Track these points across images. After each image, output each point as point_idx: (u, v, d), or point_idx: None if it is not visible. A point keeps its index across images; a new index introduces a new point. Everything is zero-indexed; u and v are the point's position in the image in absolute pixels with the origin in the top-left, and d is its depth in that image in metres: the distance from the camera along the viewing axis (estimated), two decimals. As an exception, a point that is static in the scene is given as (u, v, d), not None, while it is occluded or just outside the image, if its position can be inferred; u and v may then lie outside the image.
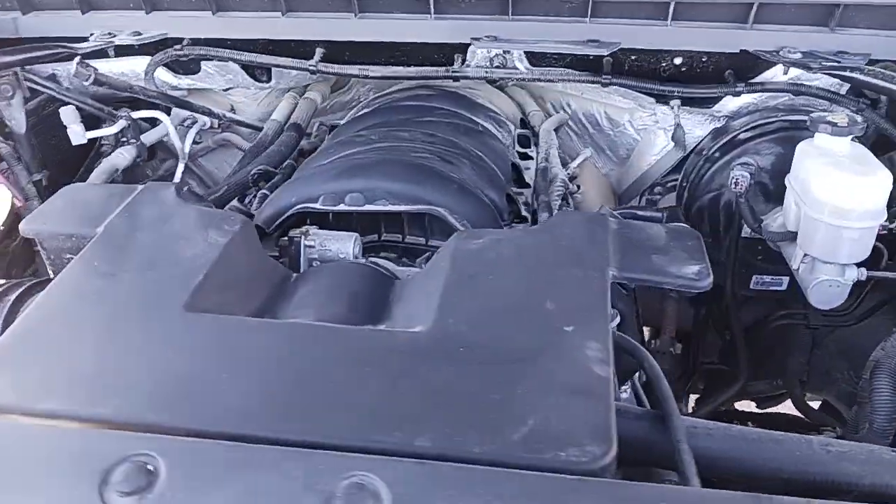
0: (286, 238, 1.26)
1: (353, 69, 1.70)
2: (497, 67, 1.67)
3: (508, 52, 1.64)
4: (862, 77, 1.37)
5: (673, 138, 1.79)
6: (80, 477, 0.70)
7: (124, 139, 1.77)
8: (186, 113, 1.95)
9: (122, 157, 1.74)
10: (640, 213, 1.31)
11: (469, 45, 1.64)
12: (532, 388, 0.83)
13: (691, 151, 1.82)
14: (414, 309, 1.00)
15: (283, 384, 0.85)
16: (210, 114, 1.87)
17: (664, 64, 1.65)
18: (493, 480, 0.70)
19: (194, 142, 1.97)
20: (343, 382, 0.84)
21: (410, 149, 1.44)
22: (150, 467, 0.70)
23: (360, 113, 1.83)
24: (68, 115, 1.67)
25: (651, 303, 1.70)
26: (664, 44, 1.54)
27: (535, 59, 1.67)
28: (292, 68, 1.72)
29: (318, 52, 1.71)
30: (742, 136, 1.64)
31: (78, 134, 1.67)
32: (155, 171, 2.09)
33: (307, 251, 1.25)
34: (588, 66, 1.67)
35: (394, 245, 1.36)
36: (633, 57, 1.64)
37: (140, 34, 1.65)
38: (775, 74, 1.62)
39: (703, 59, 1.64)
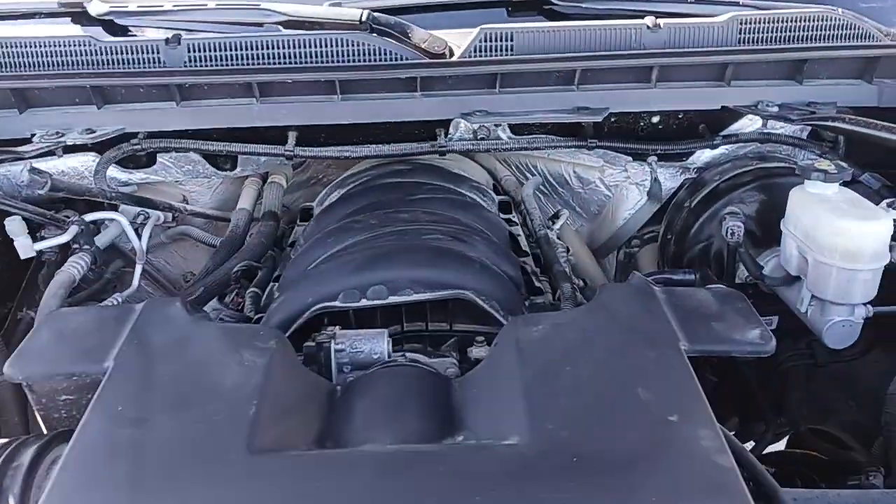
0: (312, 344, 1.15)
1: (331, 151, 1.62)
2: (481, 139, 1.65)
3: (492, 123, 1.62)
4: (843, 125, 1.45)
5: (649, 193, 1.83)
6: None
7: (76, 245, 1.58)
8: (136, 209, 1.78)
9: (78, 265, 1.54)
10: (674, 277, 1.30)
11: (451, 119, 1.61)
12: (665, 494, 0.77)
13: (665, 203, 1.86)
14: (495, 414, 0.92)
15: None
16: (170, 208, 1.71)
17: (642, 123, 1.69)
18: None
19: (146, 238, 1.80)
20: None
21: (419, 231, 1.37)
22: None
23: (337, 195, 1.74)
24: (14, 227, 1.47)
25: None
26: (650, 106, 1.57)
27: (517, 127, 1.66)
28: (267, 155, 1.62)
29: (292, 135, 1.62)
30: (722, 186, 1.69)
31: (27, 247, 1.48)
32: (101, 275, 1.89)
33: (337, 356, 1.14)
34: (571, 132, 1.68)
35: (417, 335, 1.27)
36: (612, 119, 1.66)
37: (93, 131, 1.50)
38: (745, 126, 1.70)
39: (679, 116, 1.69)
